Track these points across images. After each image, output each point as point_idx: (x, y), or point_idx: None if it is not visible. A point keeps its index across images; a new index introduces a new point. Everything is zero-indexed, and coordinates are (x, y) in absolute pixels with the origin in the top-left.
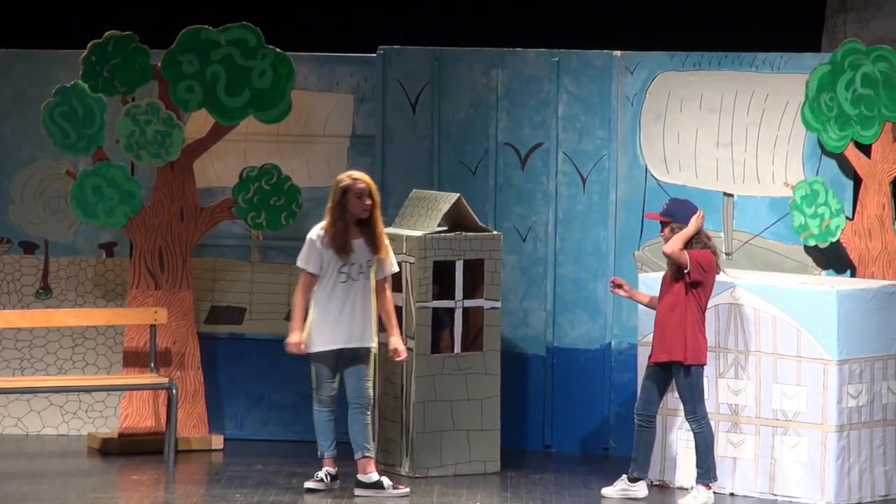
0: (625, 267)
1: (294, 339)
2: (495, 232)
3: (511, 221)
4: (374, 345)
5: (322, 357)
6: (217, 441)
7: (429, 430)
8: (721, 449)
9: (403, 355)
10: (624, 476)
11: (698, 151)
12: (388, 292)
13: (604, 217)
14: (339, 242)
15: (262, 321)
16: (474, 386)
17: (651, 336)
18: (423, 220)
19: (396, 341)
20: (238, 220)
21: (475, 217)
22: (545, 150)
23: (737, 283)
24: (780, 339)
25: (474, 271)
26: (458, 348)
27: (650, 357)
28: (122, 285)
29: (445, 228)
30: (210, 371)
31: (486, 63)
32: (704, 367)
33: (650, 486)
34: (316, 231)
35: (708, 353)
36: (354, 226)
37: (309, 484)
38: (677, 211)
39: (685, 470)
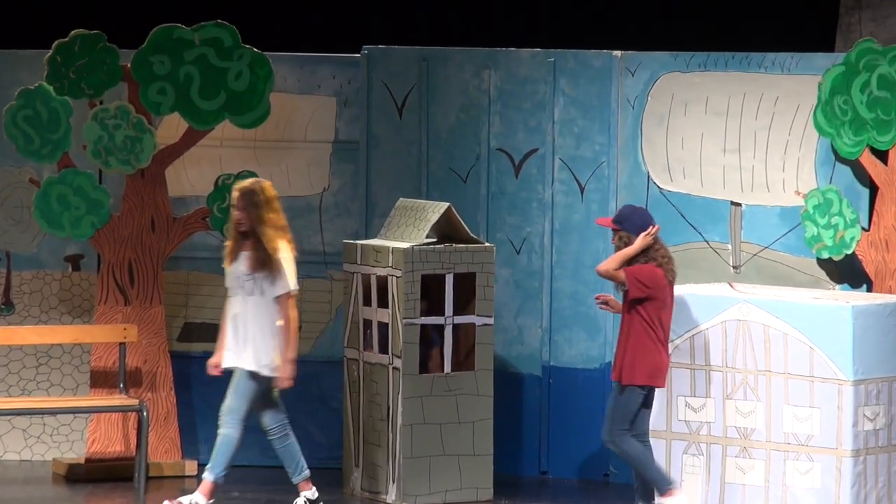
0: None
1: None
2: (487, 244)
3: (504, 232)
4: (254, 368)
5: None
6: (191, 467)
7: (417, 455)
8: (729, 475)
9: (283, 384)
10: None
11: (704, 158)
12: (285, 310)
13: (603, 228)
14: (224, 253)
15: None
16: (465, 408)
17: None
18: (411, 230)
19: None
20: (213, 230)
21: (466, 228)
22: (541, 157)
23: (745, 299)
24: (792, 358)
25: (465, 285)
26: (448, 368)
27: None
28: (90, 300)
29: (434, 240)
30: (183, 392)
31: (477, 64)
32: (648, 389)
33: None
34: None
35: (665, 376)
36: (241, 238)
37: None
38: (627, 218)
39: (691, 496)
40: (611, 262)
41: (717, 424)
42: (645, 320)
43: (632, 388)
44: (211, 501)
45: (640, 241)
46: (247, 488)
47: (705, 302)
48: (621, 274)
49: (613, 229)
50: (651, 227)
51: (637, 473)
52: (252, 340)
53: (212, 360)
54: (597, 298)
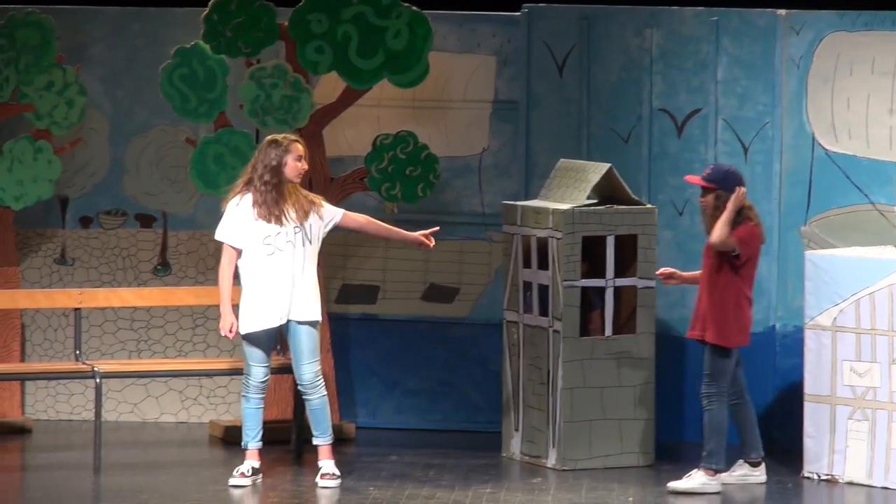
0: (790, 244)
1: (225, 323)
2: (649, 205)
3: (667, 194)
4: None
5: (252, 338)
6: (348, 430)
7: (577, 420)
8: (895, 441)
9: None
10: (741, 461)
11: (870, 119)
12: (367, 219)
13: (767, 189)
14: (275, 212)
15: (397, 301)
16: (627, 372)
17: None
18: (571, 192)
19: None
20: (371, 191)
21: (627, 189)
22: (703, 117)
23: None
24: None
25: (626, 247)
26: (609, 331)
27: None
28: None
29: (595, 201)
30: (341, 354)
31: (639, 22)
32: (735, 349)
33: (818, 480)
34: (236, 200)
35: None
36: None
37: (234, 480)
38: (724, 178)
39: (854, 462)
40: (721, 230)
41: (882, 389)
42: (743, 280)
43: (725, 349)
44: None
45: (733, 202)
46: (404, 452)
47: (871, 265)
48: (733, 239)
49: (709, 188)
50: (738, 189)
51: (739, 430)
52: (303, 293)
53: (231, 325)
54: (660, 275)
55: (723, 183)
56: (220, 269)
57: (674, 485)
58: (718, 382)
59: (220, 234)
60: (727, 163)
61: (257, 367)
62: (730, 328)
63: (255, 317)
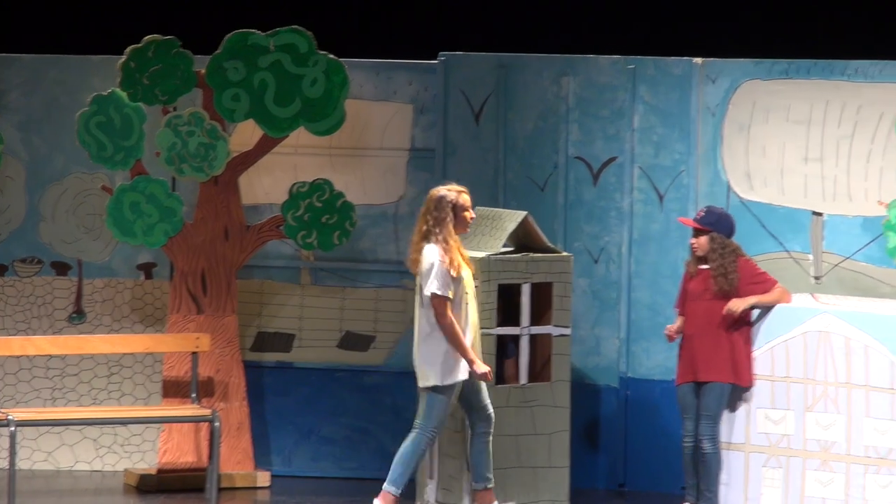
0: None
1: (483, 368)
2: (565, 253)
3: (582, 241)
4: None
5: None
6: (263, 478)
7: (493, 467)
8: (809, 489)
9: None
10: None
11: (785, 167)
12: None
13: (682, 237)
14: (455, 263)
15: (313, 349)
16: (542, 419)
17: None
18: (488, 239)
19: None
20: (287, 239)
21: (543, 237)
22: (619, 165)
23: (827, 310)
24: (873, 370)
25: (542, 295)
26: (524, 379)
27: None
28: (162, 309)
29: (511, 249)
30: (256, 402)
31: (555, 70)
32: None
33: None
34: (438, 255)
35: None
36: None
37: None
38: (718, 221)
39: None
40: (745, 304)
41: (796, 437)
42: (745, 319)
43: (737, 387)
44: None
45: (776, 295)
46: (320, 500)
47: (786, 313)
48: (767, 297)
49: (703, 230)
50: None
51: (705, 474)
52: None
53: (481, 369)
54: (669, 336)
55: (717, 225)
56: (449, 322)
57: None
58: (719, 423)
59: (435, 288)
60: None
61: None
62: (746, 367)
63: (460, 368)
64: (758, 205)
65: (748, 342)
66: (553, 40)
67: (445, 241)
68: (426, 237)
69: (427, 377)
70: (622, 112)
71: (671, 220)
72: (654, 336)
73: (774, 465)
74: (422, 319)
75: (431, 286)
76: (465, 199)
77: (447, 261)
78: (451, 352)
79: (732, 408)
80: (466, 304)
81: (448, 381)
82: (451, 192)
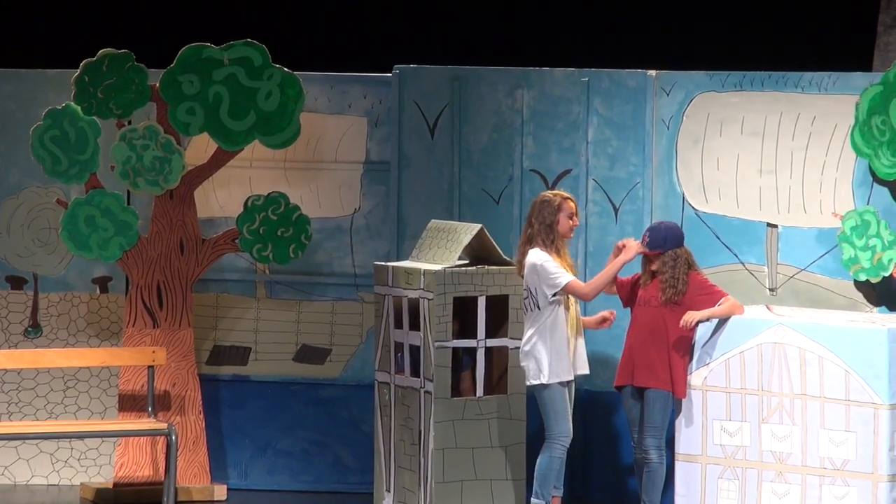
0: None
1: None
2: None
3: None
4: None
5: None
6: (220, 491)
7: (449, 480)
8: (765, 500)
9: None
10: None
11: (740, 179)
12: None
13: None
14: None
15: (269, 362)
16: (498, 432)
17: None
18: (443, 252)
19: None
20: (242, 252)
21: (499, 249)
22: (574, 178)
23: (781, 322)
24: (828, 382)
25: (498, 308)
26: (480, 391)
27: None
28: (118, 323)
29: (467, 262)
30: (212, 416)
31: (510, 83)
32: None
33: None
34: (542, 256)
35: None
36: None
37: None
38: (665, 242)
39: None
40: (702, 314)
41: (752, 449)
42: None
43: (674, 398)
44: None
45: (727, 308)
46: None
47: (741, 324)
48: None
49: (656, 255)
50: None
51: (648, 484)
52: None
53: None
54: (608, 323)
55: (665, 245)
56: (591, 287)
57: None
58: (664, 434)
59: (563, 279)
60: (655, 223)
61: None
62: (681, 379)
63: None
64: (713, 217)
65: (685, 355)
66: (507, 53)
67: (548, 244)
68: (530, 241)
69: (537, 375)
70: (577, 125)
71: (626, 233)
72: (610, 348)
73: (730, 476)
74: (528, 321)
75: (554, 284)
76: (570, 205)
77: (551, 258)
78: (558, 351)
79: (688, 420)
80: (566, 308)
81: (553, 381)
82: (557, 197)
